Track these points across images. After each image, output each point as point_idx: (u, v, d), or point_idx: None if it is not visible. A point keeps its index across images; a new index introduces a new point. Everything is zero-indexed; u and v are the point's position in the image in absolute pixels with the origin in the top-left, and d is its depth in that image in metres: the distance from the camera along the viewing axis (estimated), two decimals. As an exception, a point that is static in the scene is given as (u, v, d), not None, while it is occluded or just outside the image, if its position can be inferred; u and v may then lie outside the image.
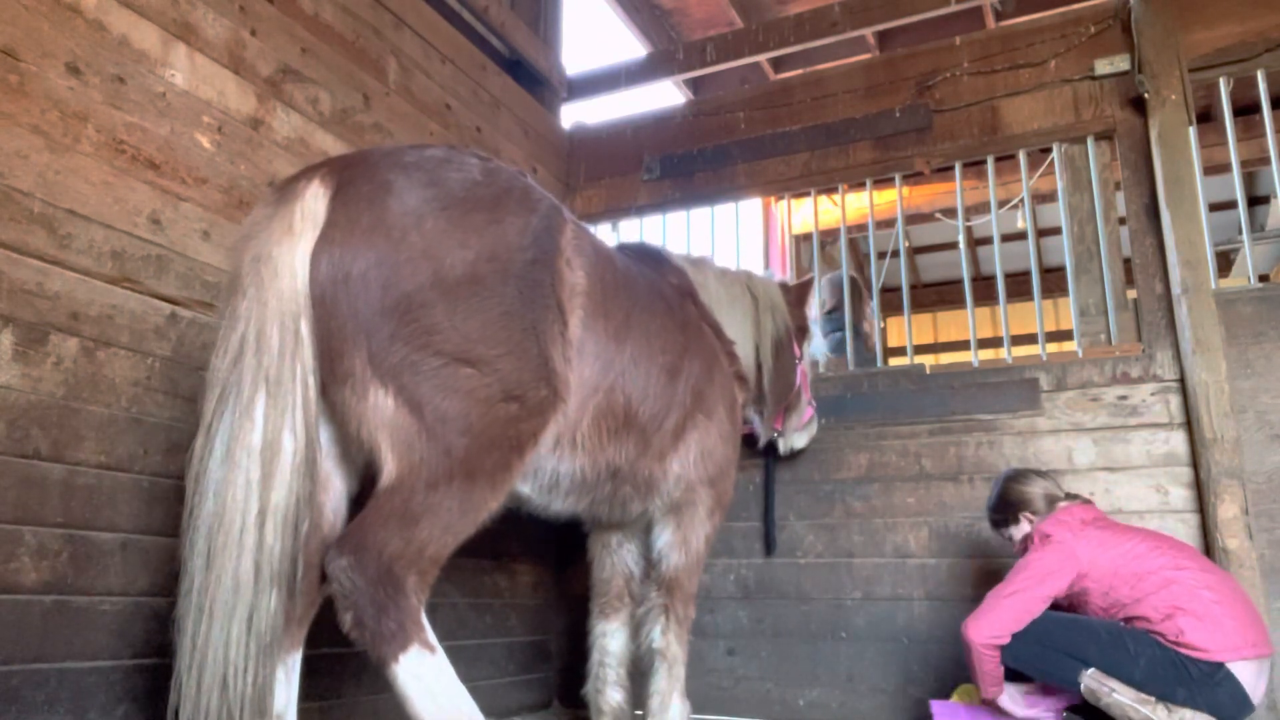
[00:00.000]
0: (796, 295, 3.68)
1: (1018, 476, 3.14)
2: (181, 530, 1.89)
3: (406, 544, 1.91)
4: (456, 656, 3.60)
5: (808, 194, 4.60)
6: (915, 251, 8.97)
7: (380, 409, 1.96)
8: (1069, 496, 3.09)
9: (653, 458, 2.73)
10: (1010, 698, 2.93)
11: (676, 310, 2.89)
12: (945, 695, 3.38)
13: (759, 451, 3.98)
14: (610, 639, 3.19)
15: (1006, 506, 3.11)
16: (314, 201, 2.01)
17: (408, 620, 1.88)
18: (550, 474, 2.45)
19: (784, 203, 5.62)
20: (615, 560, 3.24)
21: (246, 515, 1.83)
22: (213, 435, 1.89)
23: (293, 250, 1.95)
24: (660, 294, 2.83)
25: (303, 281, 1.95)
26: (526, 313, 2.12)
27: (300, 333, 1.93)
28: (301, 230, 1.97)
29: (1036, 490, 3.08)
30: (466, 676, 3.61)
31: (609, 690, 3.14)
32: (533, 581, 4.16)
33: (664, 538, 3.03)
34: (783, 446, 3.72)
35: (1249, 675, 2.65)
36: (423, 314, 1.98)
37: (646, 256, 3.12)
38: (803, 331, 3.68)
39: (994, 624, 2.79)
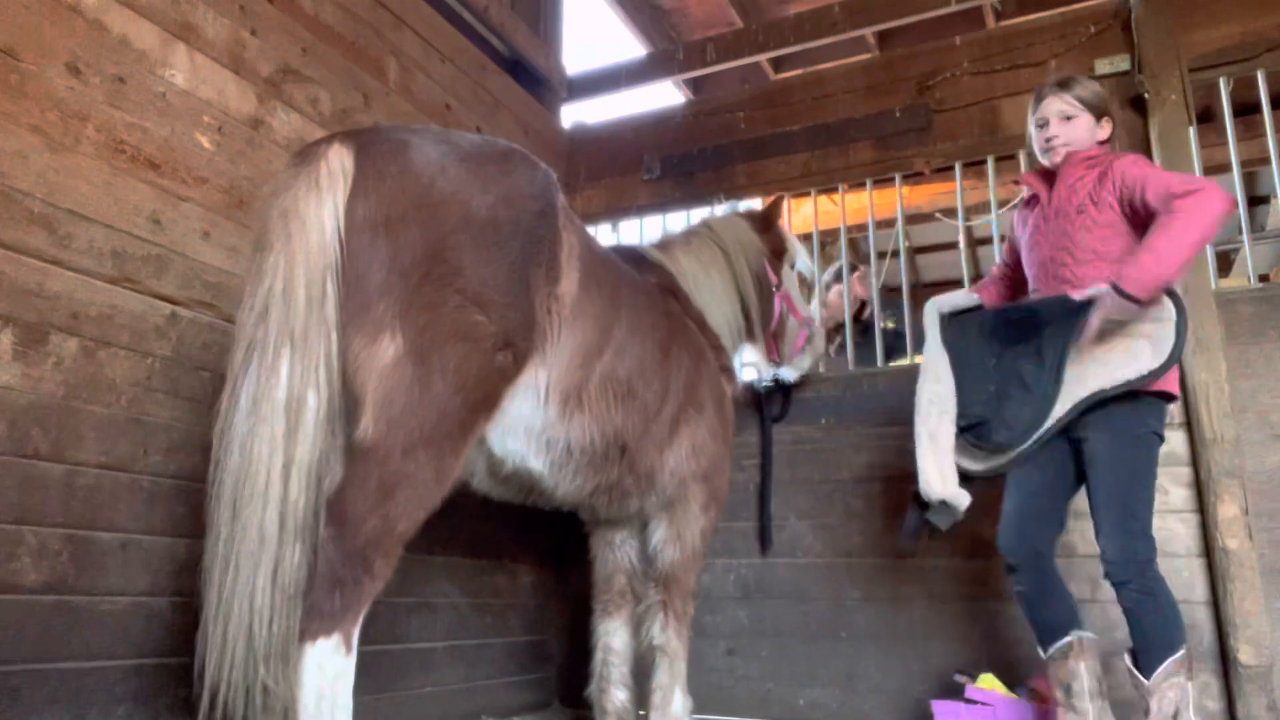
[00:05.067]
0: (761, 221, 3.59)
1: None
2: (208, 483, 1.92)
3: (382, 521, 1.93)
4: (456, 656, 3.62)
5: (808, 194, 4.59)
6: (915, 251, 8.95)
7: (381, 356, 1.96)
8: None
9: (653, 446, 2.76)
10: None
11: (659, 301, 2.94)
12: (945, 695, 3.38)
13: (756, 451, 3.98)
14: (613, 637, 3.18)
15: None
16: (337, 159, 2.03)
17: (351, 608, 1.88)
18: (563, 446, 2.46)
19: (784, 203, 5.61)
20: (618, 557, 3.23)
21: (272, 468, 1.85)
22: (238, 390, 1.91)
23: (320, 205, 1.97)
24: (642, 283, 2.89)
25: (330, 236, 1.96)
26: (525, 260, 2.20)
27: (326, 288, 1.94)
28: (329, 186, 1.99)
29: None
30: (466, 677, 3.64)
31: (613, 690, 3.14)
32: (533, 581, 4.16)
33: (659, 534, 3.05)
34: (788, 375, 3.68)
35: None
36: (452, 255, 2.04)
37: (626, 256, 3.14)
38: (778, 254, 3.59)
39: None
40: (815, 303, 4.01)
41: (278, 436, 1.87)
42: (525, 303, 2.20)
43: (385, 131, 2.19)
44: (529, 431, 2.39)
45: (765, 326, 3.50)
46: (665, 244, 3.38)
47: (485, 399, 2.13)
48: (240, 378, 1.93)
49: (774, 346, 3.59)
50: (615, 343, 2.53)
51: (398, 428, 1.96)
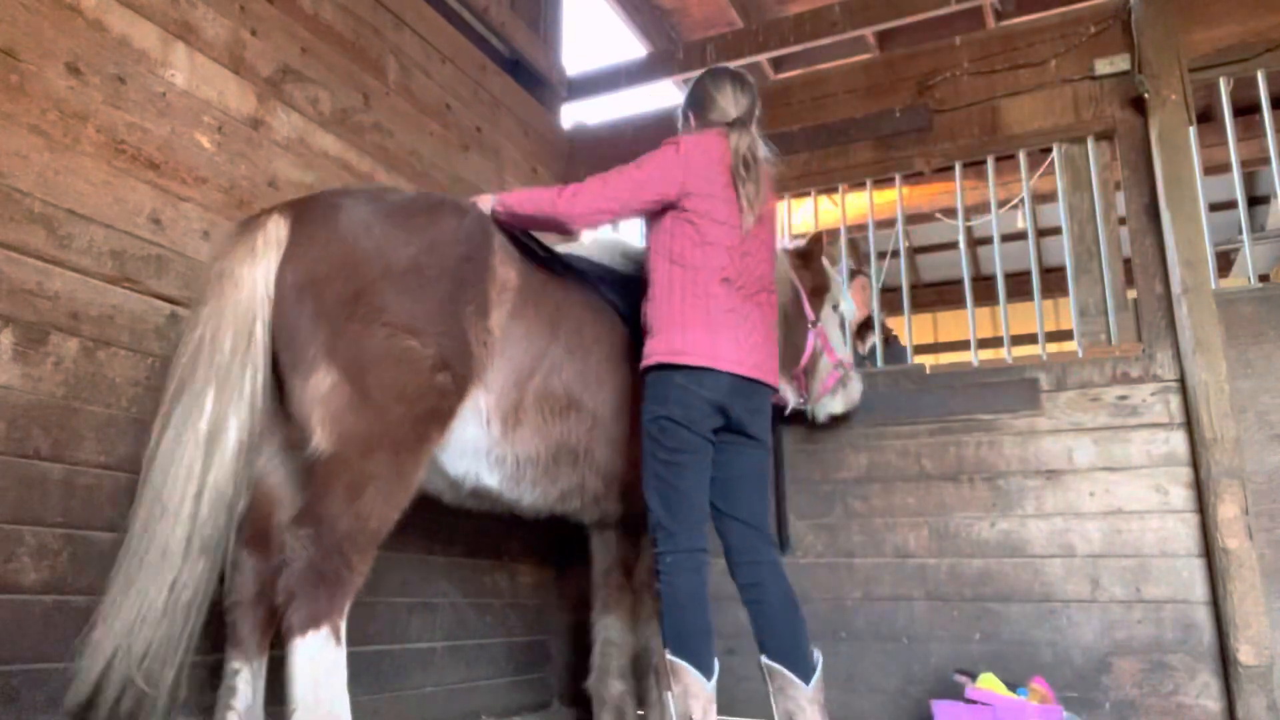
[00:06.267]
0: (802, 257, 3.54)
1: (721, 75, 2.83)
2: (132, 506, 2.10)
3: (355, 519, 2.10)
4: (456, 656, 3.62)
5: (808, 194, 4.59)
6: (915, 251, 8.96)
7: (318, 386, 2.18)
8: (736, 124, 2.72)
9: (615, 450, 2.86)
10: None
11: (611, 317, 2.96)
12: (945, 695, 3.38)
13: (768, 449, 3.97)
14: (612, 631, 3.24)
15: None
16: (275, 229, 2.28)
17: (335, 602, 2.04)
18: (512, 460, 2.63)
19: (784, 203, 5.61)
20: (614, 553, 3.29)
21: (186, 491, 2.05)
22: (167, 421, 2.12)
23: (254, 268, 2.22)
24: (593, 302, 2.93)
25: (262, 293, 2.21)
26: (457, 299, 2.40)
27: (254, 336, 2.19)
28: (264, 251, 2.24)
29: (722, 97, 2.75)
30: (466, 677, 3.63)
31: (611, 681, 3.20)
32: (533, 581, 4.15)
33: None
34: (818, 414, 3.62)
35: None
36: (375, 297, 2.25)
37: (636, 259, 3.13)
38: (819, 291, 3.53)
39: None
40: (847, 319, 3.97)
41: (195, 462, 2.07)
42: (459, 334, 2.38)
43: (321, 200, 2.41)
44: (477, 451, 2.56)
45: (793, 360, 3.43)
46: None
47: (432, 411, 2.30)
48: (170, 410, 2.13)
49: (803, 381, 3.53)
50: (549, 362, 2.68)
51: (350, 437, 2.16)
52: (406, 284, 2.30)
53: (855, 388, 3.64)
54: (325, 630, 2.00)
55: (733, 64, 4.92)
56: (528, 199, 2.71)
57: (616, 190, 2.65)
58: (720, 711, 3.86)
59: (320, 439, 2.16)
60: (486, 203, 2.73)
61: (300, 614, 1.98)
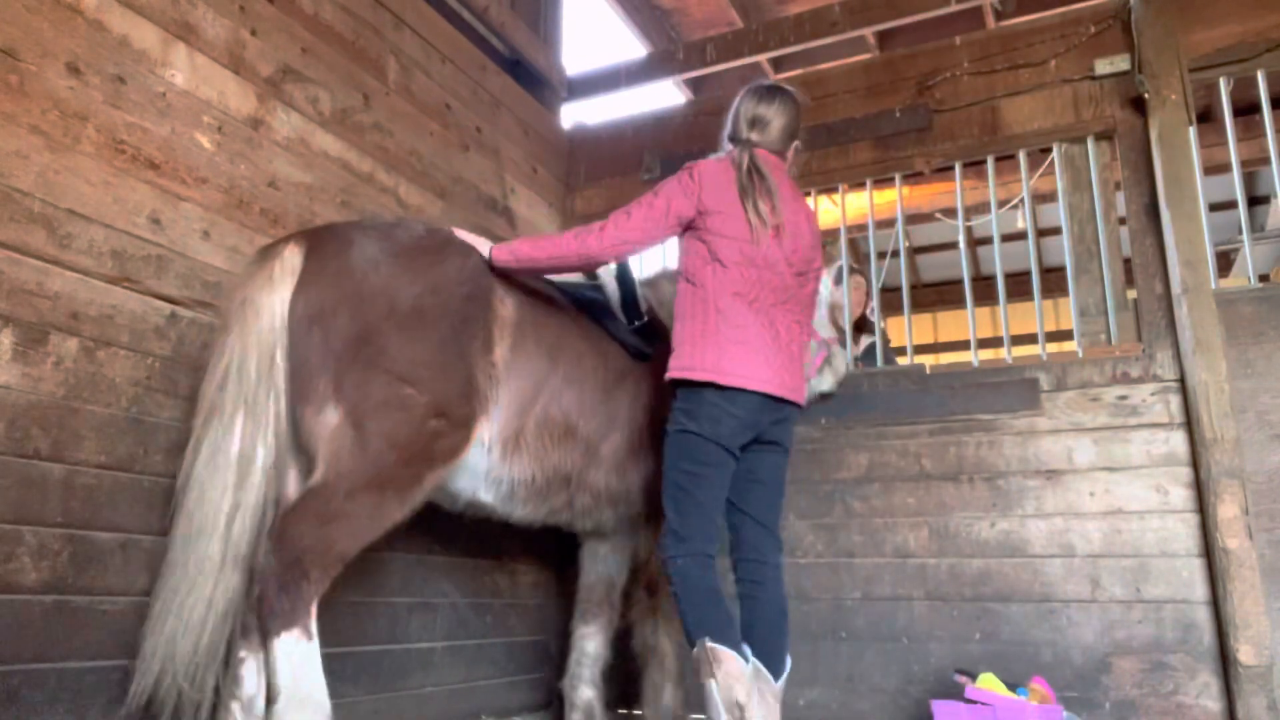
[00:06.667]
0: None
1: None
2: (168, 521, 2.26)
3: (318, 541, 2.23)
4: (456, 656, 3.62)
5: (808, 194, 4.58)
6: (915, 251, 8.97)
7: (326, 423, 2.33)
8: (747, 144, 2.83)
9: (609, 470, 2.99)
10: None
11: (606, 345, 3.09)
12: (945, 695, 3.38)
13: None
14: (588, 641, 3.42)
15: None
16: (291, 257, 2.41)
17: (299, 606, 2.19)
18: (508, 483, 2.75)
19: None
20: (601, 569, 3.45)
21: (220, 510, 2.21)
22: (199, 445, 2.27)
23: (272, 295, 2.35)
24: (590, 330, 3.06)
25: (280, 320, 2.34)
26: (458, 339, 2.51)
27: (275, 361, 2.32)
28: (280, 279, 2.37)
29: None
30: (466, 677, 3.64)
31: (582, 687, 3.39)
32: (533, 581, 4.15)
33: (643, 541, 3.28)
34: (808, 395, 3.67)
35: None
36: (379, 340, 2.39)
37: (596, 290, 3.24)
38: None
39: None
40: (845, 314, 4.05)
41: (229, 484, 2.23)
42: (461, 373, 2.50)
43: (335, 232, 2.53)
44: (475, 473, 2.69)
45: None
46: (653, 280, 3.52)
47: (424, 454, 2.41)
48: (202, 435, 2.27)
49: None
50: (550, 391, 2.80)
51: (343, 477, 2.30)
52: (408, 327, 2.42)
53: (840, 363, 3.78)
54: (296, 632, 2.17)
55: (732, 64, 4.96)
56: (542, 246, 2.77)
57: (639, 220, 2.74)
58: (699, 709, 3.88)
59: (320, 473, 2.31)
60: (481, 247, 2.76)
61: (272, 621, 2.16)
